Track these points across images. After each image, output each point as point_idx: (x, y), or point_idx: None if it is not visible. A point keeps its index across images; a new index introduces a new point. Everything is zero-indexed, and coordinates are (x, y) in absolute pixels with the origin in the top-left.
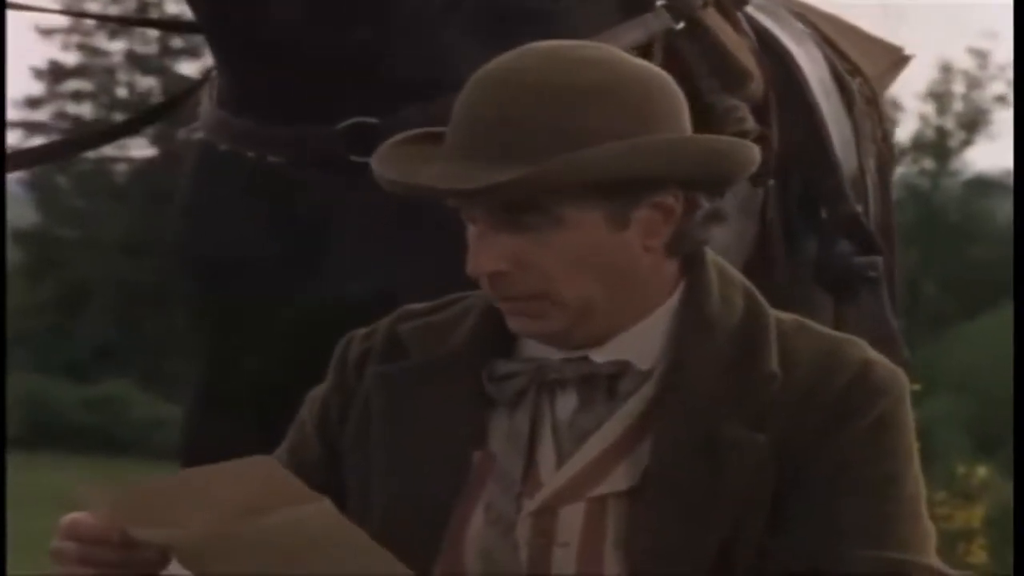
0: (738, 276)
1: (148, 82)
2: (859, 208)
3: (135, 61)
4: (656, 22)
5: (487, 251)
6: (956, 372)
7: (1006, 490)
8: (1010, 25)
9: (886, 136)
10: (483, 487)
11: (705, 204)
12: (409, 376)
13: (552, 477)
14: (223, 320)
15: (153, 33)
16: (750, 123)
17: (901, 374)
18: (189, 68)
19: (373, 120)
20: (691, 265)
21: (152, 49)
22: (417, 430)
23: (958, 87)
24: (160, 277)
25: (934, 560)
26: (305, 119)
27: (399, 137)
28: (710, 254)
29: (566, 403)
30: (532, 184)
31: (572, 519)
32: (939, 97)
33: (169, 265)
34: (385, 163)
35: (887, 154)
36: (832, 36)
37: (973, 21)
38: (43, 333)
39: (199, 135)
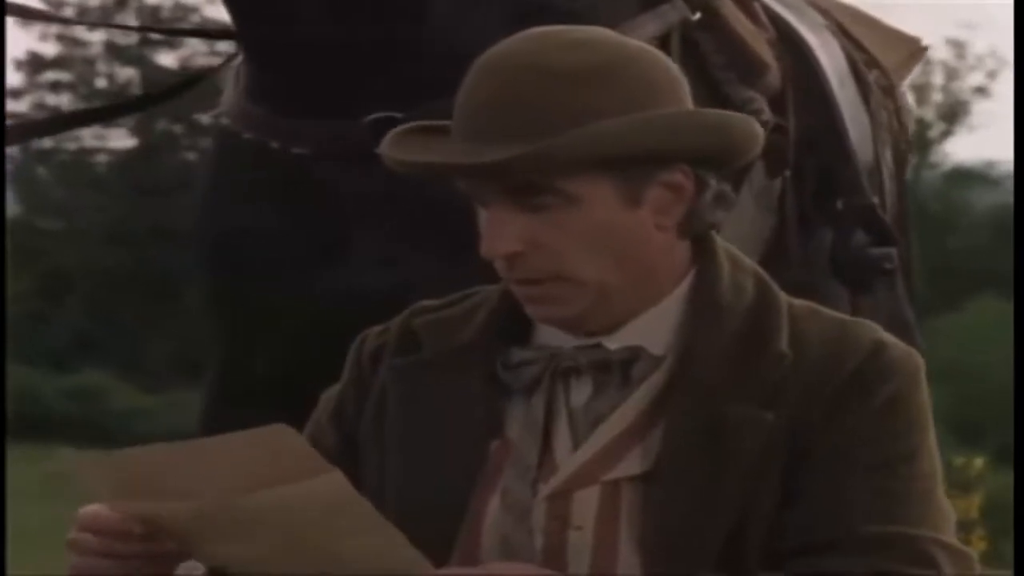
0: (749, 262)
1: (127, 73)
2: (875, 199)
3: (114, 52)
4: (673, 13)
5: (501, 233)
6: (938, 362)
7: (998, 481)
8: (988, 17)
9: (903, 127)
10: (500, 474)
11: (714, 184)
12: (424, 368)
13: (566, 461)
14: (242, 310)
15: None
16: (767, 114)
17: (915, 355)
18: (167, 59)
19: (398, 114)
20: (702, 251)
21: (131, 40)
22: (433, 420)
23: (937, 78)
24: (143, 266)
25: (950, 538)
26: (330, 112)
27: (407, 126)
28: (720, 240)
29: (581, 390)
30: (542, 159)
31: (586, 503)
32: (919, 89)
33: (188, 253)
34: (394, 147)
35: (904, 145)
36: (849, 26)
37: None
38: (22, 322)
39: (224, 122)
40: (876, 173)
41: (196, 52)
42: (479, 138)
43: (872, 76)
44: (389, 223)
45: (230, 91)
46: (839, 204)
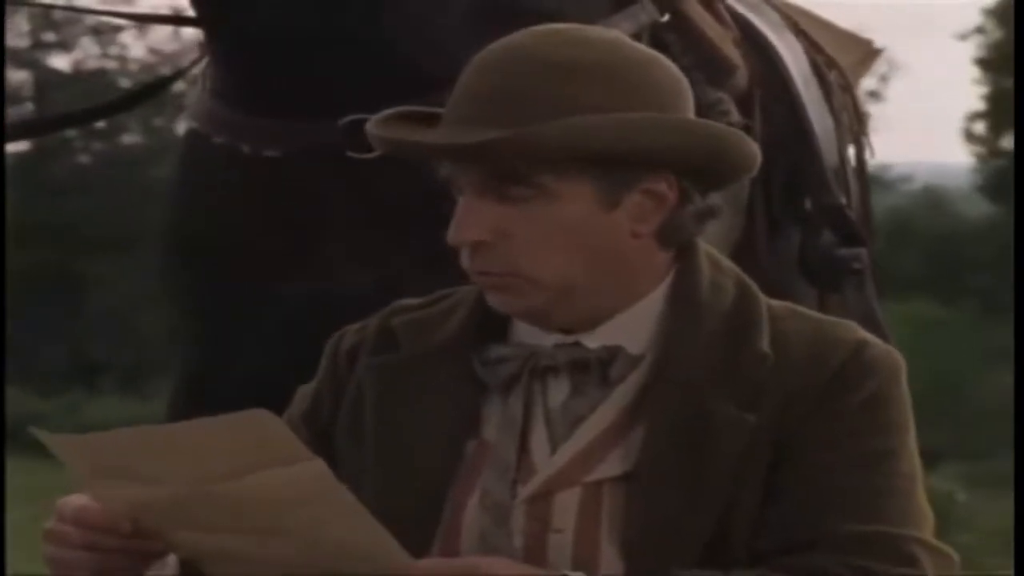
0: (729, 264)
1: (20, 76)
2: (843, 199)
3: (7, 54)
4: (643, 14)
5: (470, 220)
6: None
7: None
8: (882, 20)
9: (862, 127)
10: (478, 474)
11: (698, 200)
12: (401, 367)
13: (546, 463)
14: (216, 315)
15: (25, 26)
16: (735, 115)
17: (895, 353)
18: (61, 62)
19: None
20: (682, 252)
21: (24, 42)
22: (410, 419)
23: None
24: (38, 269)
25: (931, 538)
26: (301, 113)
27: (398, 110)
28: (701, 242)
29: (559, 389)
30: (521, 144)
31: (567, 505)
32: None
33: (160, 256)
34: (380, 125)
35: (863, 145)
36: (806, 28)
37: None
38: None
39: (192, 125)
40: (842, 173)
41: (88, 55)
42: (464, 123)
43: (832, 76)
44: (363, 226)
45: (197, 94)
46: (807, 204)
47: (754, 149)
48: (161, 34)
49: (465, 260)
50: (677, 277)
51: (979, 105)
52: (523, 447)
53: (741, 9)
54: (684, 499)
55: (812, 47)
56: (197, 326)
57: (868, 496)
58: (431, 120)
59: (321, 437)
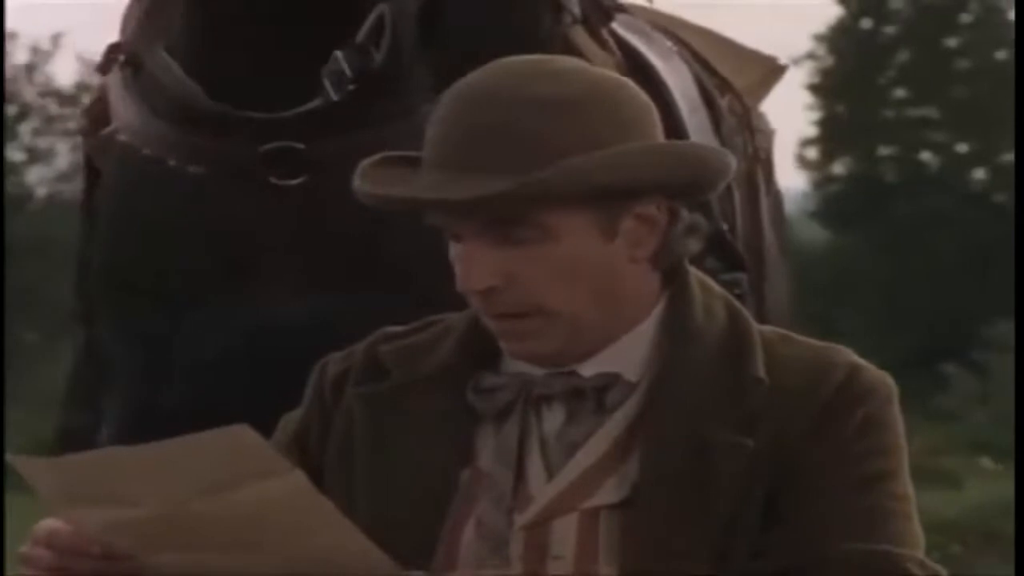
0: (718, 288)
1: None
2: (725, 225)
3: None
4: None
5: (478, 267)
6: None
7: None
8: (751, 33)
9: (757, 152)
10: (473, 504)
11: (685, 215)
12: (392, 395)
13: (542, 491)
14: (149, 335)
15: None
16: None
17: (888, 378)
18: None
19: (300, 145)
20: (673, 276)
21: None
22: (402, 448)
23: None
24: None
25: (926, 559)
26: (227, 130)
27: (375, 158)
28: (691, 267)
29: (553, 417)
30: (526, 194)
31: (566, 532)
32: None
33: (90, 276)
34: (367, 180)
35: (759, 171)
36: (702, 51)
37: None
38: None
39: (121, 138)
40: (728, 199)
41: None
42: (455, 169)
43: (725, 101)
44: (293, 252)
45: (124, 105)
46: None
47: (730, 160)
48: None
49: (478, 304)
50: (670, 302)
51: (811, 131)
52: (519, 475)
53: (627, 36)
54: (682, 525)
55: (706, 71)
56: (131, 355)
57: (867, 517)
58: (414, 163)
59: (311, 468)
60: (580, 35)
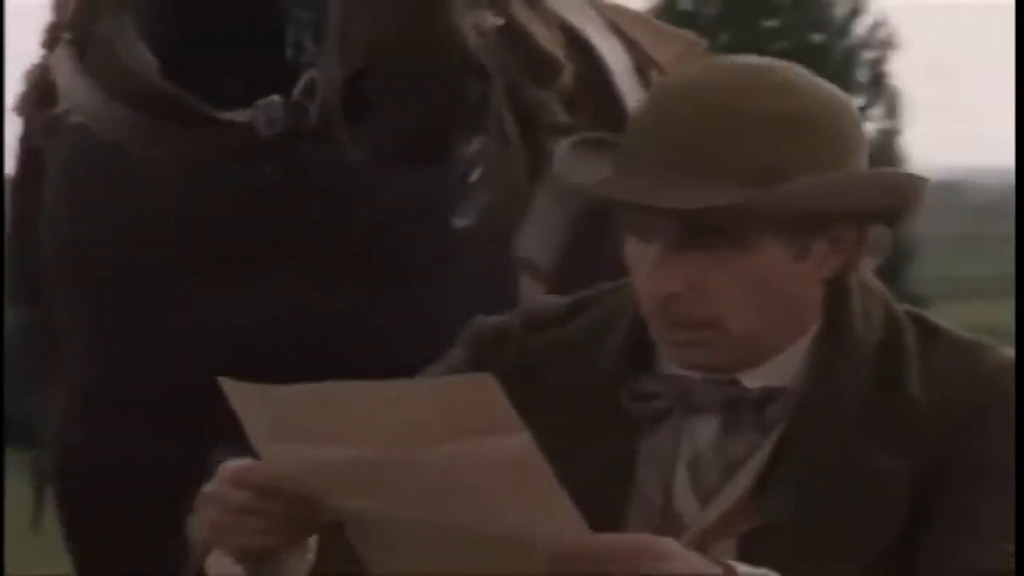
0: (875, 284)
1: None
2: None
3: None
4: (490, 19)
5: (666, 272)
6: None
7: None
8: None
9: None
10: (626, 516)
11: (869, 236)
12: (547, 400)
13: (690, 507)
14: (106, 317)
15: None
16: (562, 116)
17: None
18: None
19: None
20: (836, 284)
21: None
22: (560, 458)
23: None
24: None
25: None
26: (190, 117)
27: (572, 141)
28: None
29: (707, 427)
30: (750, 209)
31: (724, 555)
32: None
33: (40, 258)
34: (574, 172)
35: None
36: (624, 27)
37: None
38: None
39: (75, 119)
40: None
41: None
42: (668, 169)
43: (653, 75)
44: (265, 243)
45: (81, 83)
46: None
47: (925, 186)
48: None
49: (653, 310)
50: (831, 310)
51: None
52: (667, 488)
53: (562, 12)
54: (836, 547)
55: (631, 46)
56: (92, 339)
57: (1011, 516)
58: (611, 146)
59: None
60: (524, 12)
